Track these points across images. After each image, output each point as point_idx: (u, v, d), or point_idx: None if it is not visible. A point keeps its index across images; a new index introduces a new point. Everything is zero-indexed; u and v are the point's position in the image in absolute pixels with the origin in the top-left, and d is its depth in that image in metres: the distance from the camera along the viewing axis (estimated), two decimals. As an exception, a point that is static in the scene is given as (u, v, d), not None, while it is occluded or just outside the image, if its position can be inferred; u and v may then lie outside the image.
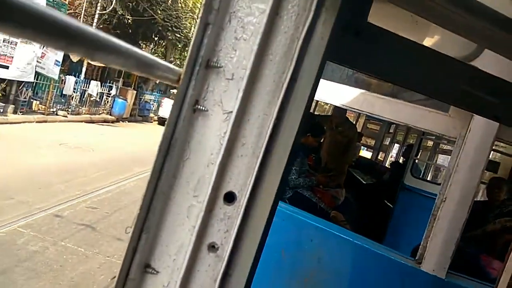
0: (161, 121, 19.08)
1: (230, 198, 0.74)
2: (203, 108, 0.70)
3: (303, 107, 0.75)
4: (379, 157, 9.18)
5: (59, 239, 4.68)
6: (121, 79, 17.23)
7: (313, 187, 3.71)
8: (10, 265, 3.93)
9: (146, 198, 0.70)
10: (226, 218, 0.73)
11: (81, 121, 13.33)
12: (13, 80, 10.13)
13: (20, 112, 10.75)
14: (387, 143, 8.81)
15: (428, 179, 6.83)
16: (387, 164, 8.49)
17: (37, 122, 11.02)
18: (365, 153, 12.16)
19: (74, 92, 12.87)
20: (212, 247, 0.74)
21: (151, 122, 19.38)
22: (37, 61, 10.45)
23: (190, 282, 0.73)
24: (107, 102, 15.29)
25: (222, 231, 0.73)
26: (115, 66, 0.52)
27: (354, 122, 7.09)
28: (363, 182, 5.91)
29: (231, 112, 0.71)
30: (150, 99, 19.39)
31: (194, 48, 0.68)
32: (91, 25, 13.54)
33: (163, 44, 20.50)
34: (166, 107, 18.52)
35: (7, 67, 9.60)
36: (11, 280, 3.72)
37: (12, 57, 9.61)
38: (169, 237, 0.73)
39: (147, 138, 14.52)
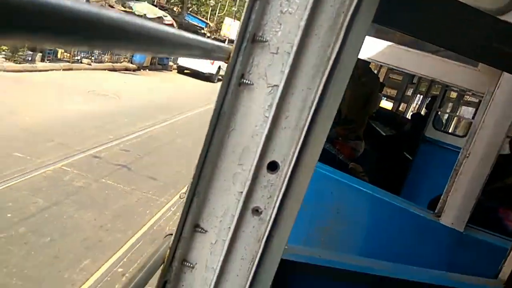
0: (181, 70, 19.17)
1: (273, 167, 0.78)
2: (249, 81, 0.73)
3: (347, 79, 0.77)
4: (400, 109, 9.01)
5: (99, 177, 5.12)
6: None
7: (333, 139, 3.69)
8: (60, 198, 4.38)
9: (198, 166, 0.76)
10: (270, 185, 0.78)
11: (104, 69, 13.60)
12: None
13: (47, 60, 11.05)
14: (409, 93, 8.65)
15: (450, 131, 6.74)
16: (408, 116, 8.36)
17: (63, 70, 11.33)
18: (386, 104, 12.15)
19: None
20: (256, 211, 0.79)
21: (171, 70, 19.47)
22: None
23: (236, 241, 0.79)
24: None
25: (265, 197, 0.78)
26: (179, 56, 0.56)
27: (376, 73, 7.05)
28: (383, 133, 5.88)
29: (276, 85, 0.73)
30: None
31: (243, 24, 0.70)
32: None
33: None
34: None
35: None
36: (62, 211, 4.18)
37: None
38: (216, 201, 0.79)
39: (168, 86, 14.77)
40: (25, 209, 3.95)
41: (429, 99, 6.52)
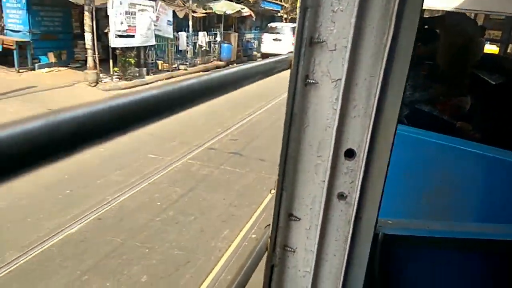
0: (265, 57, 19.72)
1: (350, 154, 0.82)
2: (313, 81, 0.78)
3: (407, 62, 0.80)
4: (508, 51, 8.13)
5: (219, 164, 5.88)
6: (221, 25, 18.06)
7: (433, 99, 3.44)
8: (193, 185, 5.20)
9: (280, 164, 0.82)
10: (350, 171, 0.82)
11: (198, 71, 14.75)
12: (139, 46, 11.68)
13: (151, 73, 12.48)
14: None
15: None
16: None
17: (166, 79, 12.68)
18: (489, 48, 11.06)
19: (187, 46, 14.19)
20: (341, 196, 0.84)
21: (255, 59, 20.16)
22: (154, 25, 11.76)
23: (327, 225, 0.85)
24: (215, 49, 16.44)
25: (347, 182, 0.83)
26: (246, 86, 0.61)
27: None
28: (492, 82, 5.28)
29: (339, 79, 0.78)
30: (251, 38, 20.04)
31: (298, 32, 0.76)
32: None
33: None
34: (266, 42, 19.03)
35: (133, 36, 11.11)
36: (197, 195, 4.98)
37: (135, 26, 11.03)
38: (303, 191, 0.84)
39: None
40: (169, 197, 4.82)
41: None
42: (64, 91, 9.73)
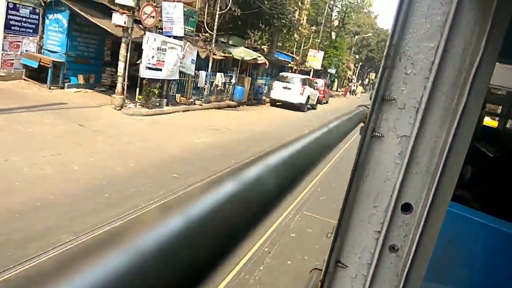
0: (273, 102, 20.89)
1: (407, 208, 0.84)
2: (379, 134, 0.83)
3: (473, 128, 0.82)
4: (507, 126, 7.83)
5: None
6: (236, 68, 19.30)
7: None
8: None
9: (341, 209, 0.85)
10: (405, 225, 0.83)
11: (212, 108, 15.76)
12: (164, 79, 12.67)
13: (170, 104, 13.40)
14: None
15: None
16: None
17: (182, 111, 13.59)
18: (487, 121, 11.94)
19: (205, 83, 15.25)
20: (393, 248, 0.83)
21: (264, 104, 21.30)
22: (180, 62, 12.83)
23: (375, 276, 0.84)
24: (229, 89, 17.54)
25: (401, 235, 0.83)
26: None
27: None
28: (490, 155, 5.11)
29: (405, 136, 0.82)
30: (262, 83, 21.27)
31: (376, 89, 0.82)
32: (214, 22, 15.68)
33: (270, 30, 22.15)
34: (276, 89, 20.24)
35: (160, 70, 12.13)
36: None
37: (164, 61, 12.08)
38: (354, 239, 0.86)
39: (265, 118, 16.40)
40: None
41: None
42: (92, 111, 10.55)
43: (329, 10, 35.24)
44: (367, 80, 75.79)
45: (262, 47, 25.19)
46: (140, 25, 11.58)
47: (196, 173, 6.93)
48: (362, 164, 0.85)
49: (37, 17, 12.05)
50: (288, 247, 4.97)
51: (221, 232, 0.27)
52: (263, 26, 21.64)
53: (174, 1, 12.05)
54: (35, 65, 11.68)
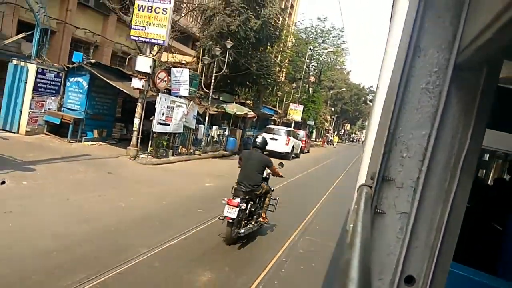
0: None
1: (410, 280, 0.91)
2: (381, 211, 0.91)
3: (465, 204, 0.94)
4: (478, 175, 7.98)
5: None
6: (227, 122, 21.29)
7: None
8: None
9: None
10: None
11: (209, 157, 17.47)
12: (171, 133, 14.43)
13: (175, 154, 15.05)
14: (487, 159, 8.04)
15: None
16: (489, 182, 7.68)
17: (185, 160, 15.23)
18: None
19: (203, 136, 17.08)
20: None
21: (253, 153, 23.12)
22: (184, 118, 14.69)
23: None
24: (223, 141, 19.40)
25: None
26: None
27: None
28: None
29: (404, 212, 0.91)
30: (250, 135, 23.29)
31: (379, 172, 0.93)
32: (210, 82, 17.84)
33: (256, 88, 24.61)
34: (265, 140, 22.24)
35: (169, 124, 13.92)
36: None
37: (171, 117, 13.91)
38: None
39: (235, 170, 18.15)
40: (214, 240, 6.98)
41: (509, 162, 6.21)
42: (112, 161, 12.08)
43: (307, 68, 38.65)
44: (342, 130, 79.67)
45: (248, 102, 27.58)
46: (151, 87, 13.48)
47: (215, 209, 8.50)
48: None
49: (60, 80, 13.83)
50: None
51: None
52: (250, 84, 24.11)
53: (181, 67, 14.13)
54: (57, 121, 13.27)
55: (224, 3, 20.59)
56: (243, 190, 6.71)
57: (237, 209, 6.28)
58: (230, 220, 6.34)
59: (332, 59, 47.79)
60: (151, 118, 13.17)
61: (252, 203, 6.90)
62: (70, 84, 14.03)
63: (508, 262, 4.00)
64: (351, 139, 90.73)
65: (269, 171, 7.65)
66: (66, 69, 13.89)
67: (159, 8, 12.44)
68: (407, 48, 0.92)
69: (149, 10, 12.52)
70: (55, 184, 8.30)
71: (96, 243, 5.52)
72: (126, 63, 17.51)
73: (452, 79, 0.91)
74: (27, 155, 10.04)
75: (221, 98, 22.47)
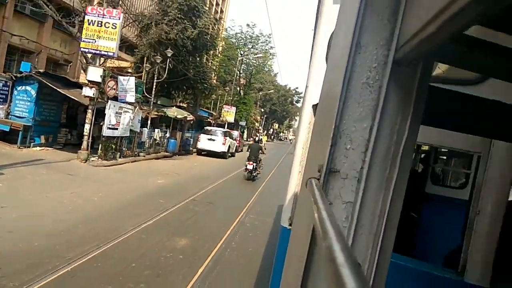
0: (199, 152, 24.46)
1: None
2: (328, 201, 0.93)
3: (403, 192, 1.00)
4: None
5: (202, 208, 9.94)
6: (165, 124, 22.64)
7: None
8: (188, 218, 9.17)
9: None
10: None
11: (153, 158, 18.78)
12: (119, 136, 15.60)
13: (122, 156, 16.21)
14: None
15: (449, 184, 6.66)
16: None
17: (131, 162, 16.46)
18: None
19: (146, 138, 18.36)
20: None
21: (192, 154, 24.74)
22: (131, 122, 15.94)
23: None
24: (164, 143, 20.77)
25: None
26: None
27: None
28: None
29: (349, 202, 0.95)
30: (189, 136, 24.83)
31: (326, 164, 0.97)
32: (152, 87, 19.13)
33: (193, 92, 26.16)
34: (203, 141, 23.95)
35: (117, 129, 15.10)
36: (199, 219, 8.95)
37: (119, 122, 15.12)
38: None
39: (197, 164, 19.85)
40: (181, 219, 8.73)
41: (422, 155, 6.64)
42: (67, 164, 13.05)
43: (237, 72, 40.92)
44: (271, 130, 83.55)
45: (183, 105, 28.99)
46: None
47: (173, 199, 10.19)
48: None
49: (7, 88, 14.30)
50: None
51: None
52: (186, 89, 25.61)
53: (127, 76, 15.38)
54: (7, 128, 13.80)
55: (161, 12, 21.90)
56: (252, 159, 15.75)
57: (253, 164, 15.68)
58: (250, 169, 15.76)
59: (261, 63, 50.60)
60: (101, 123, 14.27)
61: (255, 164, 15.84)
62: (17, 92, 14.56)
63: (423, 244, 4.41)
64: (279, 137, 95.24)
65: (261, 151, 17.19)
66: (13, 78, 14.39)
67: (109, 23, 13.64)
68: (349, 45, 0.96)
69: (99, 25, 13.65)
70: (28, 184, 9.37)
71: (89, 226, 7.01)
72: (68, 70, 18.13)
73: (391, 75, 0.95)
74: (-12, 161, 10.77)
75: (159, 102, 23.68)
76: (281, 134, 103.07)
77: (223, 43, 38.59)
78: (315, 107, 1.93)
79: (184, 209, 9.64)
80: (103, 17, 13.66)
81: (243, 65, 44.39)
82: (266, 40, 45.73)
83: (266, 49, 46.54)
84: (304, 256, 1.00)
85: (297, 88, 76.31)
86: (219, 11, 49.52)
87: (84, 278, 5.02)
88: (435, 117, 1.40)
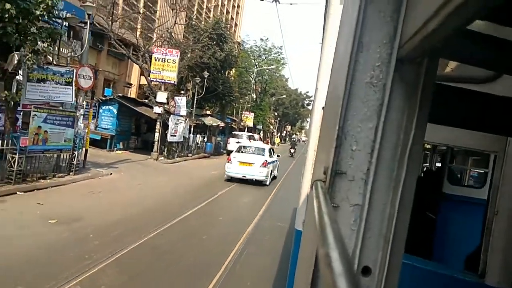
0: (229, 152, 29.51)
1: (366, 271, 0.92)
2: (335, 204, 0.93)
3: (412, 194, 0.97)
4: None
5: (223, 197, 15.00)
6: (199, 131, 27.78)
7: None
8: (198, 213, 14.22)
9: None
10: (366, 287, 0.90)
11: (197, 158, 23.99)
12: (177, 142, 20.82)
13: (177, 156, 21.42)
14: None
15: (466, 184, 6.55)
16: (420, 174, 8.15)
17: (184, 160, 21.66)
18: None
19: (192, 143, 23.58)
20: None
21: (222, 154, 29.88)
22: (183, 130, 21.17)
23: None
24: (203, 146, 25.98)
25: None
26: None
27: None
28: None
29: (357, 204, 0.93)
30: (219, 140, 30.02)
31: (332, 166, 0.94)
32: (193, 101, 24.35)
33: (220, 103, 31.33)
34: (232, 143, 29.04)
35: (175, 136, 20.32)
36: (208, 215, 14.00)
37: (177, 131, 20.34)
38: None
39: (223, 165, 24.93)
40: (237, 195, 13.76)
41: (437, 154, 6.61)
42: (147, 162, 18.26)
43: (254, 81, 46.10)
44: (284, 132, 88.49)
45: (209, 113, 34.18)
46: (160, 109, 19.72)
47: (226, 184, 15.24)
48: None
49: (96, 108, 19.66)
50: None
51: None
52: (215, 101, 30.81)
53: (180, 96, 20.62)
54: (98, 137, 19.11)
55: (195, 40, 27.14)
56: (293, 148, 34.07)
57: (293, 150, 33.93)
58: (292, 152, 33.91)
59: (274, 72, 55.70)
60: (166, 132, 19.49)
61: (294, 150, 34.71)
62: (103, 110, 19.90)
63: (440, 246, 4.38)
64: (292, 139, 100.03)
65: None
66: (100, 101, 19.74)
67: (170, 59, 18.87)
68: (351, 44, 0.94)
69: (163, 61, 18.89)
70: (138, 173, 14.55)
71: (181, 197, 12.11)
72: (129, 91, 23.37)
73: (395, 73, 0.93)
74: (99, 160, 16.03)
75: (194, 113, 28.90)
76: (294, 136, 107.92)
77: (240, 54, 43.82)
78: (324, 109, 1.88)
79: (239, 184, 14.73)
80: (165, 55, 18.90)
81: (258, 76, 49.57)
82: (278, 52, 50.85)
83: (278, 59, 51.65)
84: (312, 261, 0.97)
85: (307, 92, 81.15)
86: (233, 25, 54.75)
87: (189, 224, 10.11)
88: (444, 115, 1.37)
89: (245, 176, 15.25)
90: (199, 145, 25.04)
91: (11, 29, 9.00)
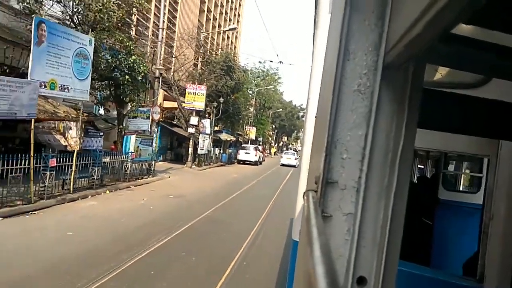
0: (239, 162, 36.00)
1: (361, 281, 0.91)
2: (327, 214, 0.92)
3: (405, 199, 0.97)
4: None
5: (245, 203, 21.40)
6: (214, 144, 34.22)
7: None
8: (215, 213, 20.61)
9: None
10: None
11: (216, 166, 30.42)
12: (204, 153, 27.28)
13: (204, 165, 27.82)
14: None
15: (462, 189, 6.64)
16: (414, 180, 8.02)
17: (208, 168, 28.07)
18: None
19: (212, 154, 30.07)
20: None
21: (234, 163, 36.35)
22: (208, 145, 27.67)
23: None
24: (219, 156, 32.43)
25: None
26: None
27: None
28: None
29: (350, 213, 0.91)
30: (230, 152, 36.48)
31: (323, 175, 0.94)
32: (211, 122, 30.91)
33: (230, 121, 37.81)
34: (241, 154, 35.50)
35: (202, 149, 26.79)
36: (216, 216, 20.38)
37: (204, 145, 26.83)
38: None
39: (245, 168, 31.34)
40: (253, 194, 20.15)
41: (430, 161, 6.85)
42: (184, 169, 24.61)
43: (254, 99, 52.76)
44: (281, 142, 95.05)
45: (218, 128, 40.63)
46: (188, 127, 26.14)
47: (246, 184, 21.63)
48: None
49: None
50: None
51: None
52: (226, 119, 37.30)
53: (206, 119, 27.18)
54: (147, 152, 25.49)
55: (209, 72, 33.74)
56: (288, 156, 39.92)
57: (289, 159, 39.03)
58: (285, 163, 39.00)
59: (272, 92, 62.55)
60: (197, 146, 25.91)
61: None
62: (148, 132, 26.33)
63: (438, 252, 4.44)
64: (288, 148, 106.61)
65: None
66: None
67: (199, 93, 25.41)
68: (338, 53, 0.94)
69: (194, 94, 25.42)
70: (185, 177, 20.91)
71: (217, 193, 18.48)
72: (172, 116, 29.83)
73: (382, 80, 0.93)
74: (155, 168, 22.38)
75: (210, 130, 35.37)
76: (290, 146, 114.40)
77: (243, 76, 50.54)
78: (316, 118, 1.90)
79: (256, 184, 21.17)
80: (196, 89, 25.43)
81: (258, 95, 56.38)
82: (274, 73, 57.74)
83: (275, 79, 58.51)
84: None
85: (301, 104, 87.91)
86: (229, 44, 61.55)
87: (216, 214, 16.50)
88: (436, 120, 1.35)
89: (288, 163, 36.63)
90: (217, 156, 31.49)
91: (127, 90, 15.52)
